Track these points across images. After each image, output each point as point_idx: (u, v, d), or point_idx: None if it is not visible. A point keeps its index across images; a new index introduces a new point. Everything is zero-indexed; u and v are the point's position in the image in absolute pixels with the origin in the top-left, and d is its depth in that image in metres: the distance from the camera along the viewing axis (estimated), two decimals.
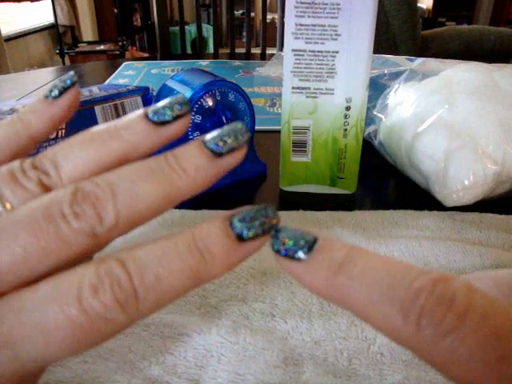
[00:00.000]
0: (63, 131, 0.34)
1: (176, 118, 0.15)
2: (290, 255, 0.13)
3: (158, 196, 0.13)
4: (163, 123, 0.15)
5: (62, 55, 2.80)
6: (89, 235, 0.12)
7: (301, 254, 0.13)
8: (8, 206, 0.13)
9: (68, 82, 0.17)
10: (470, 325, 0.10)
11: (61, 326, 0.11)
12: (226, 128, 0.15)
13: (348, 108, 0.36)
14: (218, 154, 0.14)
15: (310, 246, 0.13)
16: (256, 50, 1.12)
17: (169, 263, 0.12)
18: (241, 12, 3.29)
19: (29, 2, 2.64)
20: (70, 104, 0.17)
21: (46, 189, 0.14)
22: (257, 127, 0.41)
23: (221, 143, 0.14)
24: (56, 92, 0.16)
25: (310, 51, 0.34)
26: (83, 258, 0.13)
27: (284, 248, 0.13)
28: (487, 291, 0.11)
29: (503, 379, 0.10)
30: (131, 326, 0.12)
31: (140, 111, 0.15)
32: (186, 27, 1.15)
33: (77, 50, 2.95)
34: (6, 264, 0.12)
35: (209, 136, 0.14)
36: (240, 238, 0.13)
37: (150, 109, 0.15)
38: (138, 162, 0.14)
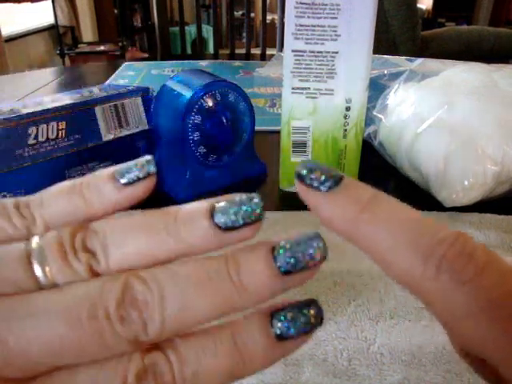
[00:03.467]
0: (63, 131, 0.34)
1: (245, 224, 0.13)
2: (313, 185, 0.13)
3: (209, 311, 0.12)
4: (229, 229, 0.13)
5: (62, 56, 2.80)
6: (130, 342, 0.12)
7: (325, 187, 0.13)
8: (51, 282, 0.12)
9: (146, 171, 0.14)
10: (488, 278, 0.11)
11: None
12: (299, 240, 0.13)
13: (348, 108, 0.36)
14: (287, 273, 0.12)
15: (337, 180, 0.13)
16: (256, 51, 1.12)
17: (206, 361, 0.12)
18: (241, 12, 3.30)
19: (29, 3, 2.64)
20: (140, 195, 0.14)
21: (94, 274, 0.13)
22: (257, 127, 0.41)
23: (292, 260, 0.12)
24: (129, 179, 0.14)
25: (309, 52, 0.34)
26: None
27: (309, 178, 0.13)
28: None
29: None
30: None
31: (204, 206, 0.13)
32: (186, 28, 1.15)
33: (77, 50, 2.96)
34: (36, 351, 0.11)
35: (280, 249, 0.13)
36: (280, 338, 0.12)
37: (217, 207, 0.13)
38: (195, 263, 0.13)
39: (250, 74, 0.80)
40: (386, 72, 0.49)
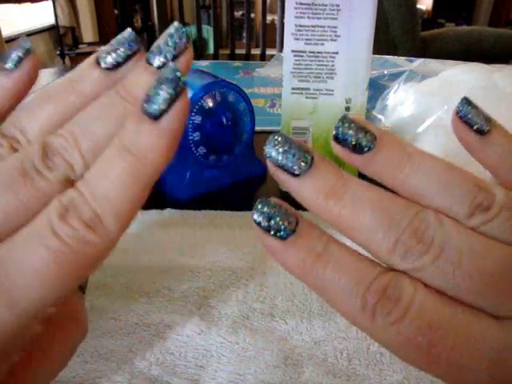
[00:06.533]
0: None
1: (127, 57, 0.15)
2: (272, 233, 0.14)
3: (114, 130, 0.14)
4: (115, 66, 0.15)
5: (62, 56, 2.80)
6: (63, 183, 0.13)
7: (283, 234, 0.13)
8: None
9: (24, 49, 0.16)
10: (408, 319, 0.13)
11: (44, 258, 0.12)
12: (164, 36, 0.15)
13: (348, 109, 0.36)
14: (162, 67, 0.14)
15: (293, 229, 0.14)
16: (256, 51, 1.12)
17: (107, 176, 0.13)
18: (241, 13, 3.30)
19: (29, 3, 2.64)
20: (30, 74, 0.16)
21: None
22: (257, 128, 0.41)
23: (162, 57, 0.14)
24: (13, 62, 0.15)
25: (309, 52, 0.34)
26: None
27: (268, 224, 0.14)
28: None
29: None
30: (110, 249, 0.13)
31: (91, 58, 0.15)
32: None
33: (77, 50, 2.95)
34: None
35: (150, 53, 0.15)
36: (154, 117, 0.13)
37: (100, 54, 0.15)
38: (92, 104, 0.14)
39: (249, 74, 0.80)
40: (386, 72, 0.49)
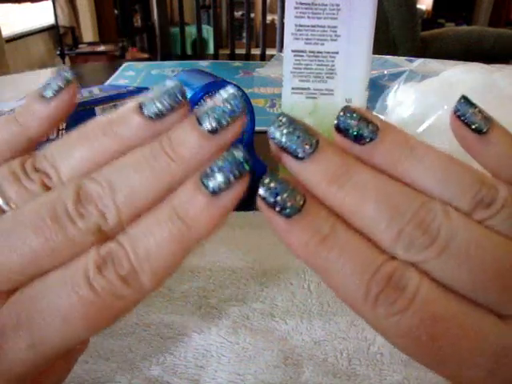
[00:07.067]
0: (63, 132, 0.34)
1: (172, 109, 0.14)
2: (277, 209, 0.13)
3: (154, 186, 0.13)
4: (159, 117, 0.14)
5: (62, 56, 2.80)
6: (94, 233, 0.13)
7: (288, 212, 0.13)
8: (13, 206, 0.14)
9: (64, 80, 0.15)
10: (412, 310, 0.13)
11: (74, 305, 0.12)
12: (220, 98, 0.14)
13: None
14: (214, 131, 0.13)
15: (299, 207, 0.13)
16: (256, 51, 1.12)
17: (153, 236, 0.13)
18: (241, 13, 3.30)
19: (29, 3, 2.64)
20: (68, 103, 0.16)
21: (49, 189, 0.14)
22: (257, 128, 0.41)
23: (215, 118, 0.13)
24: (52, 91, 0.15)
25: (309, 52, 0.34)
26: None
27: (273, 200, 0.13)
28: None
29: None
30: (139, 302, 0.13)
31: (133, 104, 0.15)
32: (186, 28, 1.15)
33: (77, 50, 2.95)
34: (15, 264, 0.13)
35: (202, 112, 0.14)
36: (214, 192, 0.13)
37: (143, 100, 0.14)
38: (133, 152, 0.14)
39: (249, 74, 0.80)
40: (386, 72, 0.49)
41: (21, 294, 0.13)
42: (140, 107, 0.14)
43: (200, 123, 0.14)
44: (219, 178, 0.13)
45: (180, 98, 0.14)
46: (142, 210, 0.13)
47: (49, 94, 0.15)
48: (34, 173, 0.14)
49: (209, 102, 0.14)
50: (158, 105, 0.14)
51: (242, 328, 0.25)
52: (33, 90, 0.16)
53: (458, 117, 0.15)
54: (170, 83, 0.15)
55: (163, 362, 0.23)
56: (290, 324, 0.26)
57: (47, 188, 0.14)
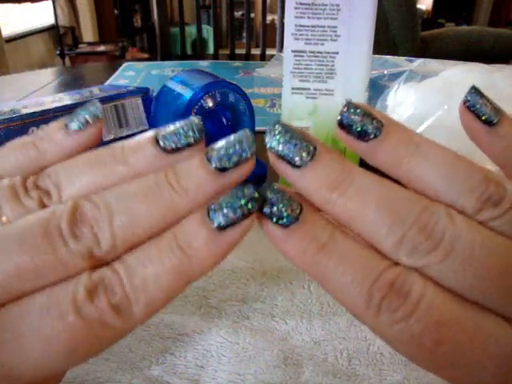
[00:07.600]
0: None
1: (189, 145, 0.14)
2: (274, 220, 0.13)
3: (154, 217, 0.13)
4: (174, 151, 0.14)
5: (62, 56, 2.80)
6: (84, 257, 0.12)
7: (285, 221, 0.13)
8: (4, 219, 0.13)
9: (93, 115, 0.15)
10: (415, 317, 0.12)
11: (59, 332, 0.11)
12: (231, 139, 0.13)
13: None
14: (222, 170, 0.13)
15: (296, 216, 0.13)
16: (256, 51, 1.12)
17: (152, 266, 0.12)
18: (241, 13, 3.29)
19: (29, 3, 2.64)
20: (92, 139, 0.15)
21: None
22: (257, 128, 0.41)
23: (225, 159, 0.13)
24: (78, 124, 0.15)
25: (309, 52, 0.34)
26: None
27: (270, 210, 0.13)
28: None
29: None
30: (128, 332, 0.12)
31: (150, 134, 0.14)
32: (186, 28, 1.15)
33: (77, 50, 2.95)
34: None
35: (212, 150, 0.13)
36: (220, 227, 0.12)
37: (161, 132, 0.14)
38: (137, 180, 0.13)
39: (249, 74, 0.80)
40: (386, 72, 0.49)
41: (1, 311, 0.12)
42: (156, 138, 0.14)
43: (209, 160, 0.13)
44: (226, 213, 0.12)
45: (198, 135, 0.14)
46: (140, 239, 0.13)
47: (74, 127, 0.15)
48: (34, 190, 0.14)
49: (222, 142, 0.14)
50: (176, 139, 0.14)
51: (242, 328, 0.25)
52: (59, 120, 0.15)
53: (468, 107, 0.15)
54: (192, 119, 0.14)
55: (163, 362, 0.23)
56: (289, 324, 0.26)
57: (45, 206, 0.13)
